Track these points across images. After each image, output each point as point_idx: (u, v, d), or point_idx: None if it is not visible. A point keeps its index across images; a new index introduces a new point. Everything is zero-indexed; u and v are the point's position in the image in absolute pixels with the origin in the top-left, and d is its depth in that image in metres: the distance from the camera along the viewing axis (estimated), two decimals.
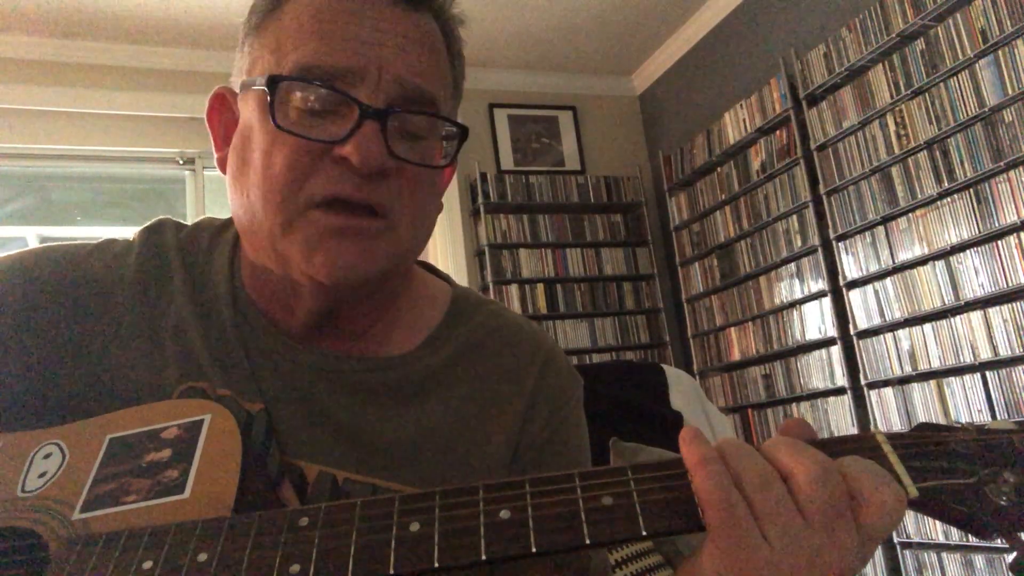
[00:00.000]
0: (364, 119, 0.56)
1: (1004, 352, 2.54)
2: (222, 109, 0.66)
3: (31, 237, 3.70)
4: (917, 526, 2.86)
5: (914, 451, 0.47)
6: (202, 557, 0.45)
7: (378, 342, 0.67)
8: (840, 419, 3.21)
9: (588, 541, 0.43)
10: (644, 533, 0.43)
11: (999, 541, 0.44)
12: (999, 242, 2.56)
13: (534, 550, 0.42)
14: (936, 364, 2.77)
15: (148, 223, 0.71)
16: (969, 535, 0.46)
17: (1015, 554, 0.44)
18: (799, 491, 0.43)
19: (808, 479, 0.43)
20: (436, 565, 0.42)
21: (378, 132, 0.56)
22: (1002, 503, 0.44)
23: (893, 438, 0.48)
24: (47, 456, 0.56)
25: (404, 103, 0.59)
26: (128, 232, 0.71)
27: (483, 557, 0.42)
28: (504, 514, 0.44)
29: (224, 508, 0.50)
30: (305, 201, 0.57)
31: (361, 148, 0.56)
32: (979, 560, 2.68)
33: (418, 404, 0.65)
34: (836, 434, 3.19)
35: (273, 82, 0.57)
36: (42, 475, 0.54)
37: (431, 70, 0.61)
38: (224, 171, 0.65)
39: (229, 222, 0.72)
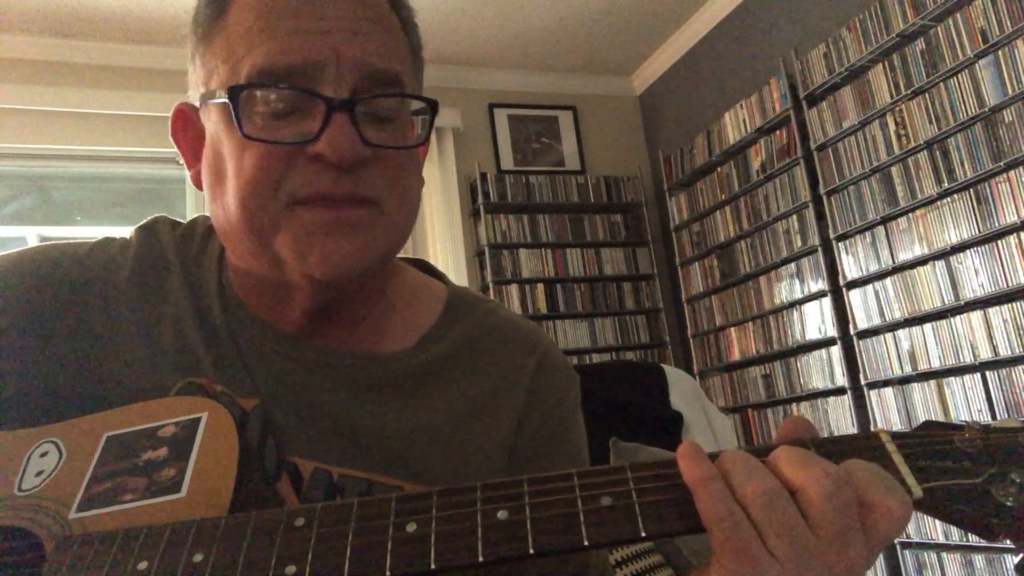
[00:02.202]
0: (332, 112, 0.55)
1: (1004, 352, 2.54)
2: (186, 126, 0.65)
3: (31, 237, 3.70)
4: (917, 526, 2.86)
5: (919, 451, 0.46)
6: (198, 558, 0.45)
7: (373, 339, 0.67)
8: (840, 419, 3.21)
9: (587, 542, 0.42)
10: (643, 534, 0.43)
11: (1006, 542, 0.44)
12: (999, 242, 2.56)
13: (532, 551, 0.42)
14: (936, 364, 2.76)
15: (143, 222, 0.71)
16: (972, 535, 0.46)
17: (1022, 555, 0.44)
18: (811, 506, 0.42)
19: (821, 495, 0.42)
20: (433, 567, 0.42)
21: (348, 123, 0.55)
22: (1008, 503, 0.43)
23: (897, 437, 0.47)
24: (44, 454, 0.55)
25: (368, 87, 0.58)
26: (128, 232, 0.71)
27: (480, 559, 0.42)
28: (502, 514, 0.43)
29: (220, 507, 0.50)
30: (287, 198, 0.56)
31: (334, 142, 0.55)
32: (979, 560, 2.68)
33: (414, 400, 0.65)
34: (836, 435, 3.19)
35: (233, 92, 0.55)
36: (39, 474, 0.54)
37: (388, 48, 0.60)
38: (198, 186, 0.64)
39: None
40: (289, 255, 0.57)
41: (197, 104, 0.63)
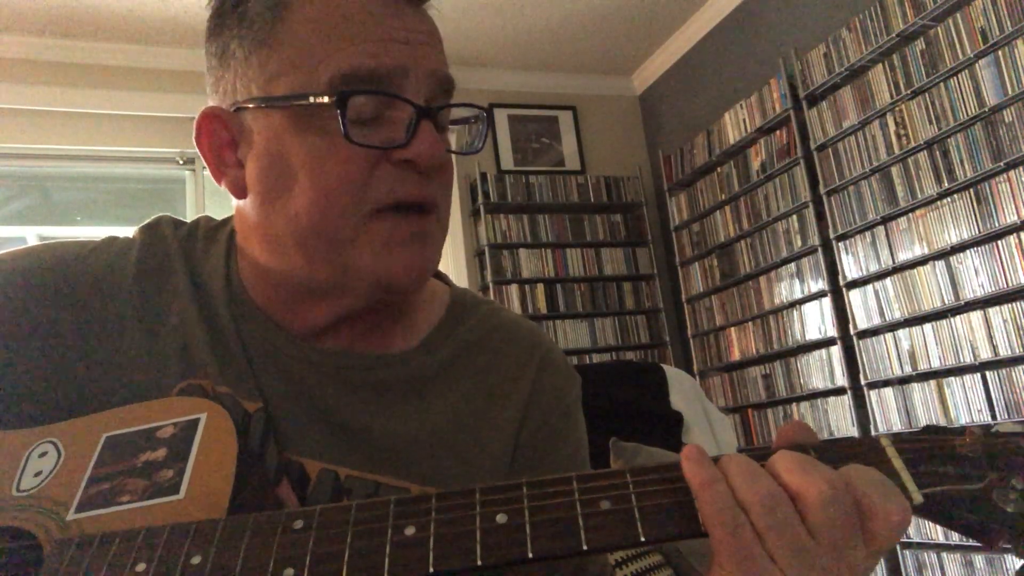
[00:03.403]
0: (420, 119, 0.57)
1: (1004, 352, 2.54)
2: (213, 131, 0.63)
3: (31, 237, 3.70)
4: (917, 527, 2.86)
5: (919, 456, 0.46)
6: (196, 560, 0.45)
7: (379, 341, 0.67)
8: (840, 419, 3.21)
9: (586, 547, 0.42)
10: (643, 539, 0.43)
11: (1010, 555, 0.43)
12: (999, 242, 2.56)
13: (531, 555, 0.42)
14: (936, 364, 2.76)
15: (147, 221, 0.71)
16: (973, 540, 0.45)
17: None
18: (809, 512, 0.42)
19: (819, 500, 0.42)
20: (431, 570, 0.42)
21: (433, 130, 0.58)
22: (1009, 509, 0.43)
23: (898, 442, 0.47)
24: (42, 455, 0.55)
25: (437, 96, 0.60)
26: (129, 232, 0.71)
27: (479, 563, 0.42)
28: (501, 518, 0.43)
29: (219, 509, 0.50)
30: (370, 207, 0.57)
31: (426, 148, 0.57)
32: (979, 560, 2.68)
33: (419, 401, 0.65)
34: (836, 435, 3.19)
35: (343, 96, 0.56)
36: (37, 474, 0.54)
37: (445, 60, 0.63)
38: (238, 194, 0.63)
39: (225, 221, 0.72)
40: (368, 262, 0.58)
41: (230, 107, 0.61)
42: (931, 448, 0.46)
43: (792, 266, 3.46)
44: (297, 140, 0.58)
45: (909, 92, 2.85)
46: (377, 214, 0.58)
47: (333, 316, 0.63)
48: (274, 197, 0.60)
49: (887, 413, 2.96)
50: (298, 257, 0.60)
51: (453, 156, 0.64)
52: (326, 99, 0.56)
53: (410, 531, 0.43)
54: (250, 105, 0.60)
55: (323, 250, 0.59)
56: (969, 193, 2.65)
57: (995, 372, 2.57)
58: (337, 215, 0.57)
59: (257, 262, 0.65)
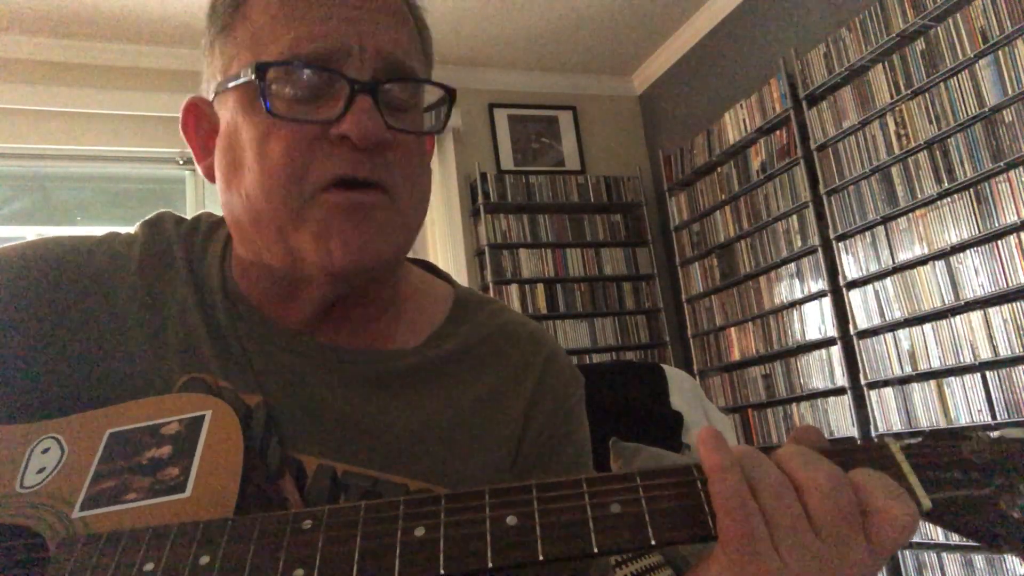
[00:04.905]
0: (356, 94, 0.56)
1: (1004, 352, 2.54)
2: (198, 119, 0.65)
3: (31, 237, 3.69)
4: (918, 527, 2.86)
5: (928, 461, 0.46)
6: (204, 560, 0.45)
7: (380, 339, 0.67)
8: (840, 419, 3.21)
9: (596, 550, 0.42)
10: (653, 542, 0.42)
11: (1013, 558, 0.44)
12: (999, 242, 2.56)
13: (541, 558, 0.42)
14: (936, 364, 2.76)
15: (148, 217, 0.71)
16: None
17: None
18: (810, 503, 0.42)
19: (819, 491, 0.42)
20: (442, 571, 0.42)
21: (372, 105, 0.57)
22: (1015, 515, 0.43)
23: (906, 448, 0.47)
24: (45, 451, 0.55)
25: (388, 76, 0.59)
26: (129, 231, 0.71)
27: (489, 564, 0.42)
28: (511, 520, 0.43)
29: (226, 508, 0.50)
30: (312, 188, 0.57)
31: (358, 122, 0.56)
32: (979, 560, 2.68)
33: (419, 397, 0.65)
34: (836, 435, 3.19)
35: (261, 68, 0.56)
36: (41, 471, 0.54)
37: (406, 42, 0.62)
38: (211, 179, 0.64)
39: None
40: (309, 246, 0.57)
41: (211, 96, 0.63)
42: (939, 453, 0.46)
43: (792, 266, 3.46)
44: (246, 121, 0.59)
45: (909, 92, 2.85)
46: (319, 195, 0.57)
47: (313, 307, 0.62)
48: (231, 178, 0.61)
49: (887, 413, 2.97)
50: (258, 243, 0.61)
51: (423, 138, 0.63)
52: (252, 76, 0.56)
53: (420, 532, 0.43)
54: (217, 92, 0.62)
55: (272, 236, 0.59)
56: (969, 193, 2.65)
57: (995, 372, 2.57)
58: (280, 197, 0.57)
59: (240, 256, 0.65)
